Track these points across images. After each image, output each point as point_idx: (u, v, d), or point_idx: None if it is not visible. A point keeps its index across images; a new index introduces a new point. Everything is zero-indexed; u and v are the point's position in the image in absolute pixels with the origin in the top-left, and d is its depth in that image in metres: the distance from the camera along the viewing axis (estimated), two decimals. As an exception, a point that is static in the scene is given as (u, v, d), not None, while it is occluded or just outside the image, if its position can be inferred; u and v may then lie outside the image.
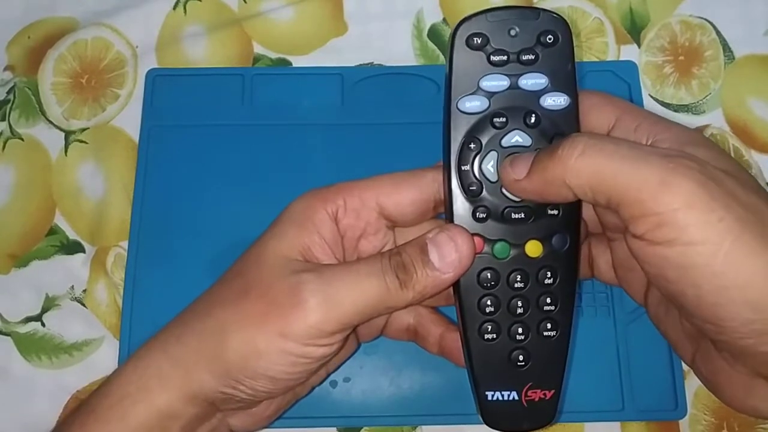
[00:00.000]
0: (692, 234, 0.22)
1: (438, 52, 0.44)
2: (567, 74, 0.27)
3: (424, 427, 0.37)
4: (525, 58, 0.27)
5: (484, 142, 0.27)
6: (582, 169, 0.24)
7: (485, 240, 0.28)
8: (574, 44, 0.27)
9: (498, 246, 0.28)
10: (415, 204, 0.29)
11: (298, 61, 0.44)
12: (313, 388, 0.33)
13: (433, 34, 0.45)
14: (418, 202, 0.29)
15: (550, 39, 0.27)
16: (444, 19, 0.45)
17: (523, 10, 0.27)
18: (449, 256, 0.26)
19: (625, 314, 0.38)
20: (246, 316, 0.27)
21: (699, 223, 0.22)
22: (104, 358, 0.38)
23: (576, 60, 0.43)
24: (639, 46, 0.44)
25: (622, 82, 0.42)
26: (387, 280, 0.26)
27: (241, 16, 0.46)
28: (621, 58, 0.44)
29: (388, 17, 0.45)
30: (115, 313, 0.39)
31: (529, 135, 0.27)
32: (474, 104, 0.27)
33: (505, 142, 0.27)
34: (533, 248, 0.28)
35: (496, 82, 0.27)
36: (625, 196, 0.24)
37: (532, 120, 0.27)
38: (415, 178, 0.29)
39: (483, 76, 0.27)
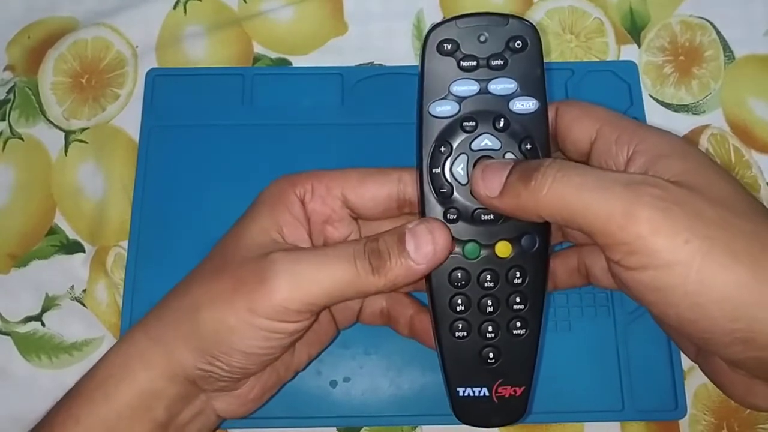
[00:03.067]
0: (662, 258, 0.23)
1: (438, 52, 0.44)
2: (536, 79, 0.28)
3: (424, 427, 0.37)
4: (494, 63, 0.28)
5: (454, 145, 0.28)
6: (552, 202, 0.25)
7: (456, 241, 0.28)
8: (543, 50, 0.28)
9: (469, 246, 0.28)
10: (376, 199, 0.30)
11: (298, 61, 0.44)
12: (297, 373, 0.33)
13: (433, 34, 0.45)
14: (380, 198, 0.30)
15: (518, 45, 0.28)
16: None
17: (493, 17, 0.28)
18: (425, 247, 0.27)
19: (625, 314, 0.38)
20: (217, 293, 0.27)
21: (666, 247, 0.23)
22: (104, 358, 0.39)
23: (576, 60, 0.43)
24: (639, 46, 0.44)
25: (622, 82, 0.42)
26: (358, 264, 0.27)
27: (241, 15, 0.46)
28: (621, 58, 0.44)
29: (388, 17, 0.45)
30: (115, 312, 0.39)
31: (498, 138, 0.28)
32: (445, 108, 0.28)
33: (474, 145, 0.28)
34: (503, 249, 0.28)
35: (466, 87, 0.28)
36: (594, 227, 0.24)
37: (501, 124, 0.28)
38: (381, 176, 0.30)
39: (453, 81, 0.28)
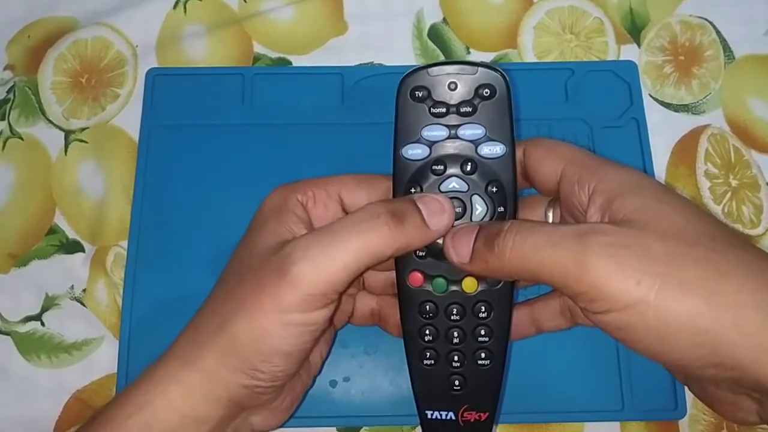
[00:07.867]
0: (619, 302, 0.24)
1: (438, 52, 0.44)
2: (503, 125, 0.29)
3: (423, 426, 0.37)
4: (463, 110, 0.29)
5: (424, 187, 0.29)
6: (515, 264, 0.26)
7: (425, 275, 0.30)
8: (512, 97, 0.29)
9: (437, 281, 0.30)
10: None
11: (298, 61, 0.44)
12: (314, 378, 0.34)
13: (434, 33, 0.45)
14: None
15: (487, 92, 0.29)
16: (444, 19, 0.45)
17: (463, 66, 0.29)
18: (437, 213, 0.28)
19: (625, 314, 0.38)
20: (243, 304, 0.27)
21: (621, 291, 0.24)
22: (104, 358, 0.38)
23: (576, 60, 0.43)
24: (639, 45, 0.44)
25: (622, 81, 0.43)
26: (381, 227, 0.27)
27: (241, 15, 0.46)
28: (621, 58, 0.44)
29: (388, 17, 0.45)
30: (114, 312, 0.39)
31: (465, 181, 0.29)
32: (416, 152, 0.29)
33: (443, 187, 0.29)
34: (469, 284, 0.30)
35: (436, 132, 0.29)
36: (554, 282, 0.26)
37: (469, 167, 0.29)
38: (375, 181, 0.31)
39: (424, 126, 0.29)
